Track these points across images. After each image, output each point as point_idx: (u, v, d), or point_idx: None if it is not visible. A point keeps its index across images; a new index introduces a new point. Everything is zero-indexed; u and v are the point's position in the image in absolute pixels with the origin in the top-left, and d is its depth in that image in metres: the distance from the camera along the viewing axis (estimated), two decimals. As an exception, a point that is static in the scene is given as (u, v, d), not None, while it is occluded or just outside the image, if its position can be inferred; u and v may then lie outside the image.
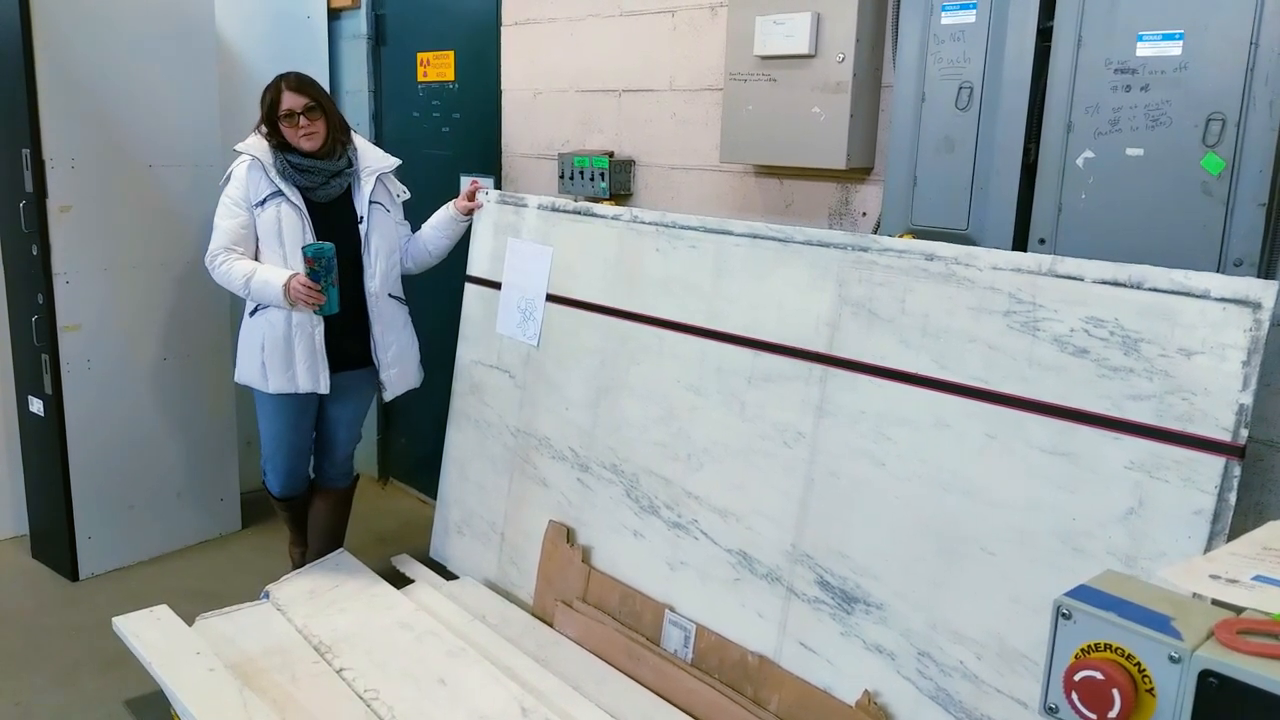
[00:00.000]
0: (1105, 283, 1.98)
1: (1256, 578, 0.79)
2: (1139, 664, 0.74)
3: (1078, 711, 0.76)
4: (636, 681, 2.73)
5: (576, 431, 3.06)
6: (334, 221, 3.19)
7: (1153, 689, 0.74)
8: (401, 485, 4.73)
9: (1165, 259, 1.99)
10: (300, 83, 3.12)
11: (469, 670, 2.75)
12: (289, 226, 3.08)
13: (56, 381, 3.61)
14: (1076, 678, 0.76)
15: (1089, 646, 0.77)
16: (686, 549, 2.74)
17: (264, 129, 3.14)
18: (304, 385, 3.16)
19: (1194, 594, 0.79)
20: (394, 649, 2.86)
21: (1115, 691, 0.73)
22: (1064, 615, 0.78)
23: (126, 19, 3.62)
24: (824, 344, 2.44)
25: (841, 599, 2.38)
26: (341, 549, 3.50)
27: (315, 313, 3.06)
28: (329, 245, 3.00)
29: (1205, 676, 0.69)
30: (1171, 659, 0.72)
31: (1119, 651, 0.75)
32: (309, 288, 2.99)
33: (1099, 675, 0.74)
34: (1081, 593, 0.79)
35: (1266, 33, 1.90)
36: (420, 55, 4.19)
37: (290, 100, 3.08)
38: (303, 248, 3.00)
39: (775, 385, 2.54)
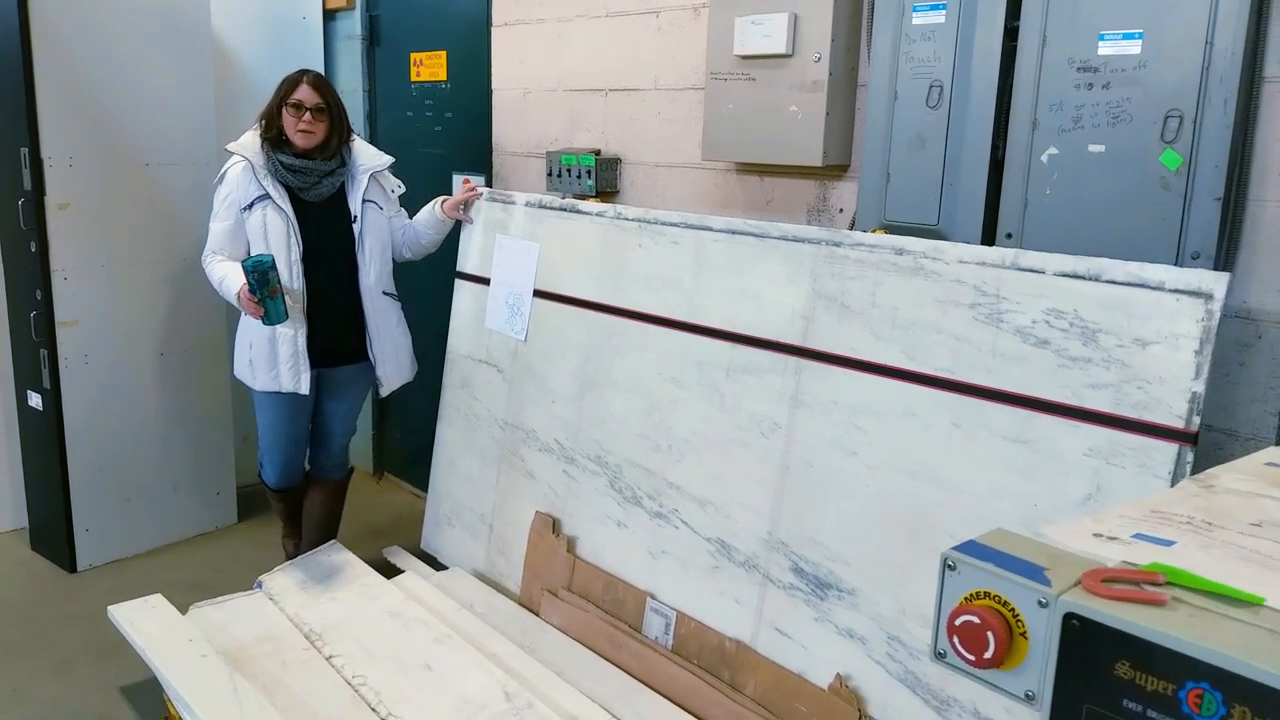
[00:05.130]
0: (1065, 275, 2.03)
1: (1136, 535, 0.85)
2: (1013, 609, 0.80)
3: (959, 654, 0.82)
4: (618, 667, 2.79)
5: (562, 424, 3.12)
6: (327, 221, 3.25)
7: (1025, 633, 0.80)
8: (396, 480, 4.80)
9: (1126, 252, 2.05)
10: (319, 82, 3.21)
11: (455, 656, 2.81)
12: (274, 230, 3.14)
13: (55, 376, 3.68)
14: (957, 623, 0.82)
15: (971, 595, 0.83)
16: (667, 538, 2.79)
17: (262, 123, 3.20)
18: (286, 385, 3.22)
19: (1077, 550, 0.85)
20: (382, 636, 2.93)
21: (990, 634, 0.79)
22: (950, 567, 0.84)
23: (124, 20, 3.69)
24: (798, 337, 2.50)
25: (815, 585, 2.43)
26: (334, 540, 3.56)
27: (262, 323, 3.09)
28: (268, 258, 3.02)
29: (1069, 619, 0.75)
30: (1040, 604, 0.78)
31: (996, 599, 0.81)
32: (248, 299, 3.04)
33: (976, 619, 0.80)
34: (967, 547, 0.85)
35: (1221, 33, 1.96)
36: (413, 55, 4.25)
37: (304, 93, 3.15)
38: (243, 261, 3.06)
39: (752, 377, 2.60)
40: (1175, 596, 0.75)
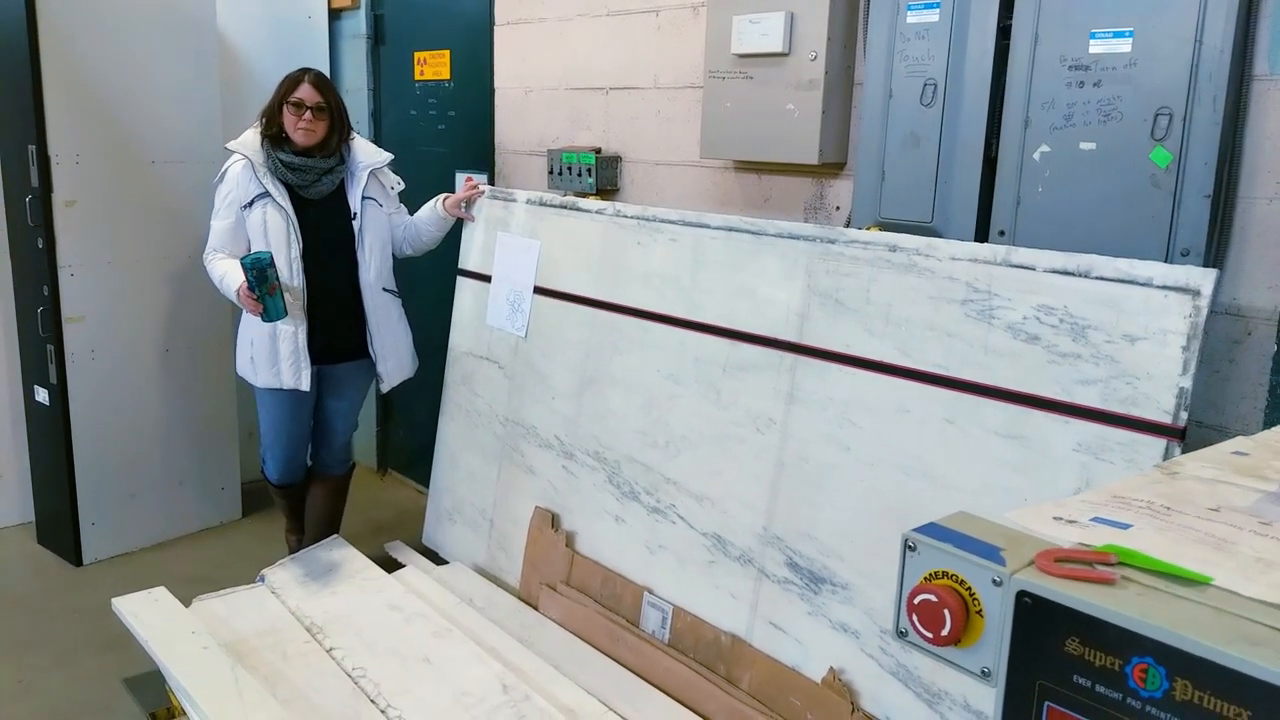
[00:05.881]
0: (1055, 272, 2.05)
1: (1095, 519, 0.87)
2: (970, 588, 0.83)
3: (918, 632, 0.84)
4: (616, 661, 2.82)
5: (562, 420, 3.15)
6: (327, 218, 3.28)
7: (981, 611, 0.82)
8: (399, 476, 4.83)
9: (1117, 249, 2.06)
10: (320, 81, 3.24)
11: (454, 650, 2.84)
12: (274, 228, 3.17)
13: (61, 372, 3.72)
14: (916, 601, 0.84)
15: (930, 574, 0.85)
16: (665, 533, 2.82)
17: (263, 121, 3.23)
18: (287, 381, 3.25)
19: (1036, 532, 0.87)
20: (383, 629, 2.95)
21: (946, 612, 0.82)
22: (910, 547, 0.87)
23: (130, 19, 3.73)
24: (794, 333, 2.52)
25: (809, 579, 2.45)
26: (336, 535, 3.59)
27: (262, 319, 3.11)
28: (265, 255, 3.04)
29: (1021, 596, 0.77)
30: (994, 582, 0.81)
31: (954, 578, 0.84)
32: (246, 296, 3.07)
33: (934, 598, 0.83)
34: (928, 529, 0.87)
35: (1210, 31, 1.98)
36: (417, 54, 4.28)
37: (305, 92, 3.18)
38: (241, 258, 3.08)
39: (749, 374, 2.62)
40: (1126, 576, 0.77)
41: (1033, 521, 0.87)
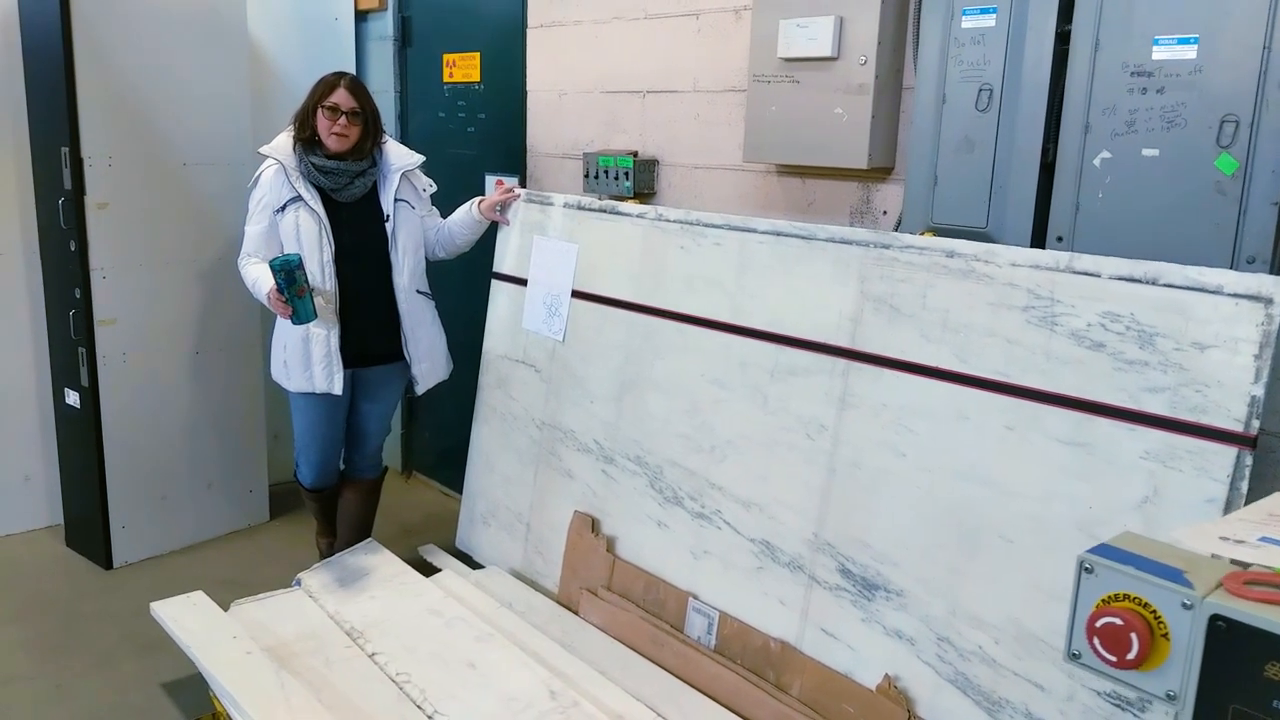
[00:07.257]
0: (1121, 279, 2.04)
1: (1262, 539, 0.86)
2: (1155, 611, 0.82)
3: (1099, 655, 0.83)
4: (660, 667, 2.80)
5: (601, 424, 3.14)
6: (360, 221, 3.27)
7: (1167, 634, 0.81)
8: (425, 479, 4.82)
9: (1180, 257, 2.05)
10: (356, 86, 3.24)
11: (497, 655, 2.83)
12: (306, 231, 3.16)
13: (93, 374, 3.71)
14: (1098, 624, 0.83)
15: (1110, 597, 0.84)
16: (710, 538, 2.81)
17: (296, 124, 3.22)
18: (319, 385, 3.24)
19: (1206, 553, 0.87)
20: (424, 634, 2.94)
21: (1133, 635, 0.81)
22: (1087, 569, 0.86)
23: (162, 23, 3.72)
24: (846, 339, 2.51)
25: (862, 586, 2.45)
26: (370, 538, 3.58)
27: (292, 322, 3.10)
28: (294, 257, 3.03)
29: (1214, 620, 0.77)
30: (1184, 606, 0.80)
31: (1136, 601, 0.83)
32: (275, 299, 3.06)
33: (1119, 621, 0.82)
34: (1102, 550, 0.86)
35: (1278, 37, 1.97)
36: (446, 56, 4.27)
37: (340, 96, 3.17)
38: (270, 261, 3.06)
39: (798, 379, 2.61)
40: (1319, 599, 0.76)
41: (1198, 541, 0.87)
